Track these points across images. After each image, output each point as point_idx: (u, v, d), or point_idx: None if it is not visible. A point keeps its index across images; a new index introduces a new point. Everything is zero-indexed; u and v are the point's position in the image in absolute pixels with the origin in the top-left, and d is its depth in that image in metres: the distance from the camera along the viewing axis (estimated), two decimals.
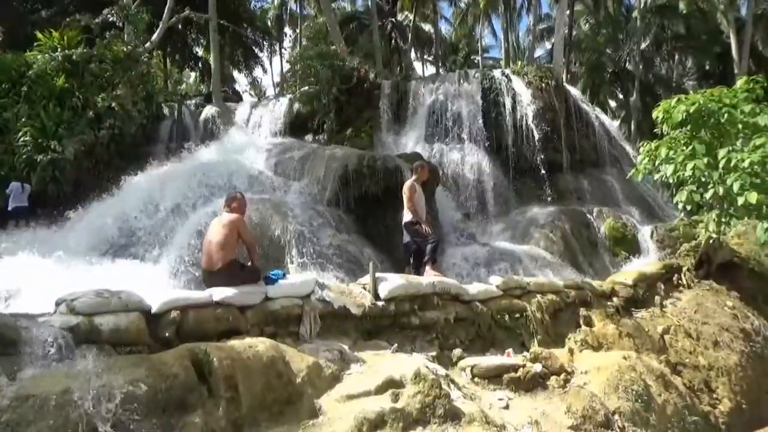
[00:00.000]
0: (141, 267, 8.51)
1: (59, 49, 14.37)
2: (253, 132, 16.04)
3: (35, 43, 14.78)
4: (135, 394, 3.23)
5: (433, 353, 5.27)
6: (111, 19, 16.62)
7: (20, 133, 12.77)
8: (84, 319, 3.81)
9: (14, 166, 12.63)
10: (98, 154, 13.65)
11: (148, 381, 3.34)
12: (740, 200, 6.69)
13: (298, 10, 35.42)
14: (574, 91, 17.79)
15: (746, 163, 6.74)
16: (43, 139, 12.76)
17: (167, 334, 4.17)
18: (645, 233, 11.72)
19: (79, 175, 13.06)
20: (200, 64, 29.74)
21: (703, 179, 7.49)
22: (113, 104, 13.92)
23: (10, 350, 3.31)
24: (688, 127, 7.99)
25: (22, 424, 2.89)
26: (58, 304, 3.98)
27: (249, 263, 5.18)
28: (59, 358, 3.43)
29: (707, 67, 32.02)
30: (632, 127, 27.80)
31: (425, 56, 42.74)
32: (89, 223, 10.29)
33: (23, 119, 12.99)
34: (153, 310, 4.22)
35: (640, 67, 29.22)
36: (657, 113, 8.29)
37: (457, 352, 5.43)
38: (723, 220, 7.61)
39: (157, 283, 7.40)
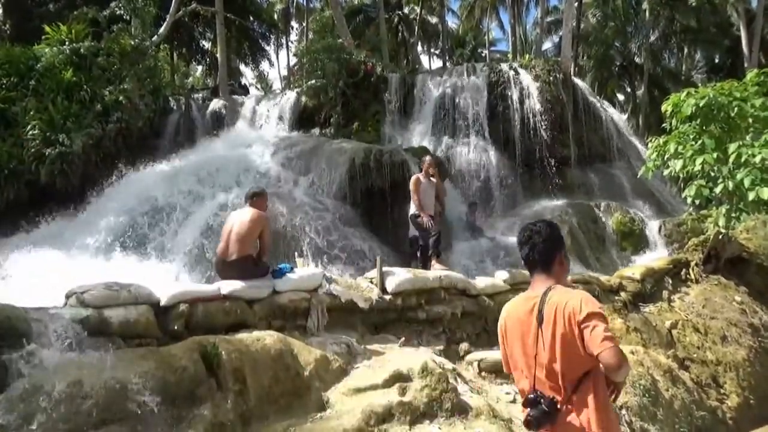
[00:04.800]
0: (149, 260, 8.55)
1: (67, 43, 14.37)
2: (260, 126, 16.03)
3: (43, 37, 14.78)
4: (145, 387, 3.25)
5: (440, 347, 5.29)
6: (118, 12, 16.57)
7: (29, 127, 12.80)
8: (94, 311, 3.84)
9: (23, 159, 12.70)
10: (106, 148, 13.66)
11: (157, 374, 3.37)
12: (751, 195, 6.63)
13: (305, 3, 35.34)
14: (582, 85, 17.67)
15: (757, 159, 6.67)
16: (51, 133, 12.78)
17: (176, 327, 4.20)
18: (653, 228, 11.67)
19: (87, 169, 13.10)
20: (207, 58, 29.74)
21: (712, 174, 7.43)
22: (121, 98, 13.92)
23: (21, 342, 3.34)
24: (698, 122, 7.90)
25: (33, 416, 2.91)
26: (68, 296, 4.01)
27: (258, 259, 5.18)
28: (70, 350, 3.46)
29: (716, 60, 31.71)
30: (640, 120, 27.56)
31: (432, 50, 42.61)
32: (97, 216, 10.33)
33: (31, 112, 13.01)
34: (162, 303, 4.26)
35: (649, 60, 28.95)
36: (666, 107, 8.20)
37: (464, 346, 5.44)
38: (733, 215, 7.54)
39: (165, 275, 7.44)
